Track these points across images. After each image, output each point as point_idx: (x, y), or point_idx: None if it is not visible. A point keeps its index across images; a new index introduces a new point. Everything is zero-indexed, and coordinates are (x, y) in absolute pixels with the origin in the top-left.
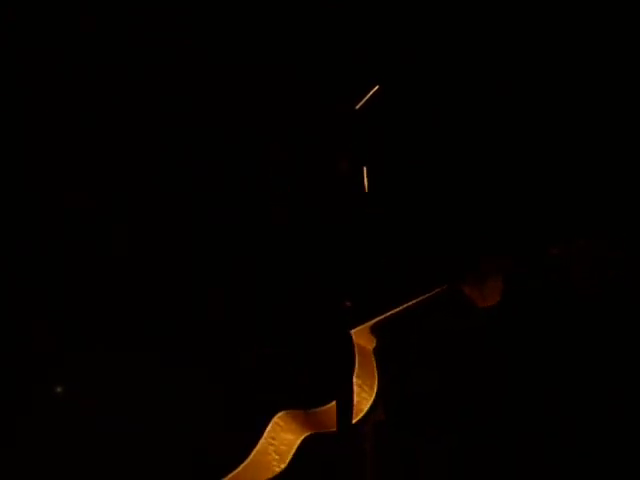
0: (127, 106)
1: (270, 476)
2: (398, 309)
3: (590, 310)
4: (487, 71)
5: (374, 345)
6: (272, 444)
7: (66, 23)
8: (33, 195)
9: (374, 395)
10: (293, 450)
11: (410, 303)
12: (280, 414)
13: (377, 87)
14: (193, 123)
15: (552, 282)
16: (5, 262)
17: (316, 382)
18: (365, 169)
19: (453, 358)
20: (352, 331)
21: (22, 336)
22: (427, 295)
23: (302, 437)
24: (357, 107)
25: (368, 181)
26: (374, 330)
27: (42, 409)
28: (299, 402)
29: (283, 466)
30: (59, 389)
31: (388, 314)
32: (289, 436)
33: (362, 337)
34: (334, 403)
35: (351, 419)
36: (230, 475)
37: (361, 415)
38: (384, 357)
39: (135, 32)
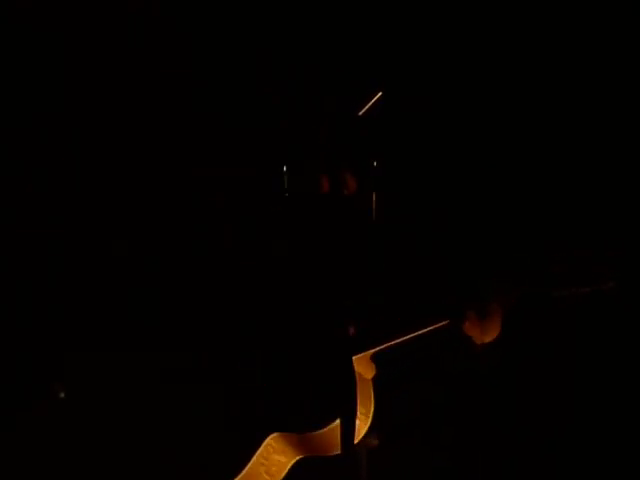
0: (127, 106)
1: None
2: (399, 340)
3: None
4: (490, 78)
5: (374, 374)
6: (263, 464)
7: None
8: (33, 195)
9: (369, 422)
10: (284, 472)
11: (411, 335)
12: (273, 435)
13: (380, 93)
14: (198, 126)
15: (552, 318)
16: (5, 262)
17: (312, 406)
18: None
19: (446, 382)
20: (354, 358)
21: (22, 336)
22: (428, 329)
23: (294, 460)
24: (360, 113)
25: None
26: (374, 359)
27: (42, 409)
28: (294, 425)
29: None
30: (59, 389)
31: (388, 344)
32: (281, 458)
33: (362, 365)
34: (328, 428)
35: (353, 440)
36: None
37: (357, 441)
38: (380, 383)
39: (133, 31)
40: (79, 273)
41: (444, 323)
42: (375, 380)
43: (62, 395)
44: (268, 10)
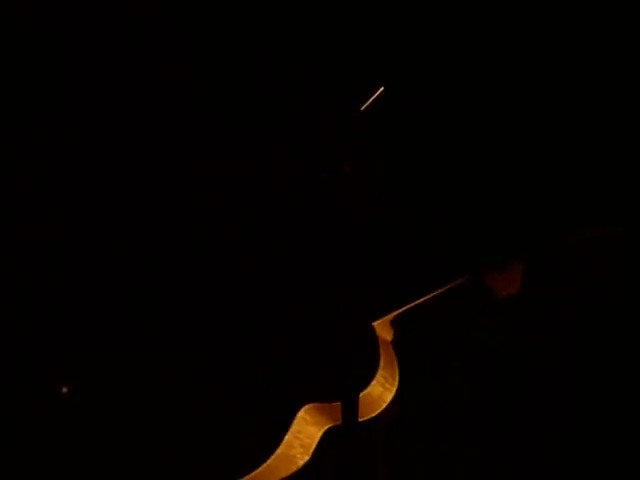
0: (127, 106)
1: (295, 469)
2: (419, 301)
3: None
4: (492, 72)
5: (392, 337)
6: (298, 437)
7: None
8: (33, 195)
9: (396, 386)
10: (315, 442)
11: (431, 295)
12: (306, 407)
13: (382, 88)
14: (198, 126)
15: (569, 272)
16: (5, 262)
17: (340, 374)
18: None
19: (471, 357)
20: (374, 323)
21: (22, 336)
22: (448, 286)
23: (324, 429)
24: (362, 108)
25: (380, 176)
26: (393, 322)
27: (42, 409)
28: (324, 395)
29: (307, 458)
30: (59, 389)
31: (409, 306)
32: (313, 429)
33: (383, 329)
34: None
35: (357, 412)
36: (257, 470)
37: (384, 406)
38: (404, 353)
39: (133, 31)
40: (79, 273)
41: (463, 279)
42: (394, 343)
43: (64, 390)
44: (268, 10)
